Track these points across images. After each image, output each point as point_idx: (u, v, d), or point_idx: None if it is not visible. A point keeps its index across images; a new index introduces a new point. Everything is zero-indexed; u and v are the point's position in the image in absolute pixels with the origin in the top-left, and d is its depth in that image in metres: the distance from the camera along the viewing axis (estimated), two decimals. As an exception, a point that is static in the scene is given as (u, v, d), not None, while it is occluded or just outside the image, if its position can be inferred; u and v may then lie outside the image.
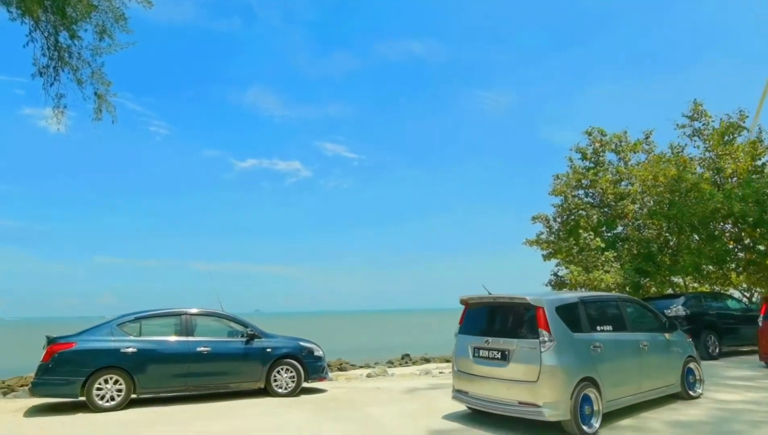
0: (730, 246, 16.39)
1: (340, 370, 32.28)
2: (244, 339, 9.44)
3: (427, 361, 34.68)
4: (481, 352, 6.76)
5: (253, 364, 9.36)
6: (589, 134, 19.66)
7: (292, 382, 9.55)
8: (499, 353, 6.50)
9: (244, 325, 9.64)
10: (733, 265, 16.97)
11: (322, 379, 10.10)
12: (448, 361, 35.80)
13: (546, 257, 19.95)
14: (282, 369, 9.55)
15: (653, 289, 18.25)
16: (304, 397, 9.46)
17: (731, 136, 16.87)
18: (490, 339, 6.68)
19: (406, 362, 34.88)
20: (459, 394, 7.13)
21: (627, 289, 17.16)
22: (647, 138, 19.63)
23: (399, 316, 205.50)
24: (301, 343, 9.97)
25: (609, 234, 19.16)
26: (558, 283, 19.74)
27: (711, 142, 17.07)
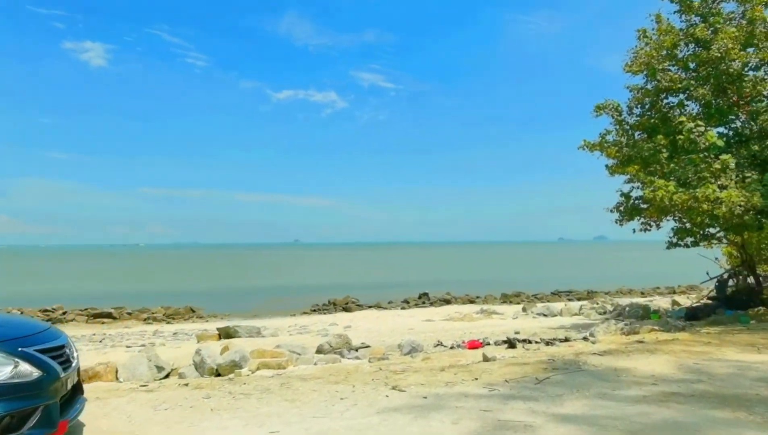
0: None
1: (345, 310, 26.33)
2: None
3: (447, 301, 28.10)
4: None
5: None
6: (697, -30, 11.43)
7: None
8: None
9: None
10: None
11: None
12: (472, 301, 29.12)
13: (613, 169, 12.42)
14: None
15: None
16: None
17: None
18: None
19: (423, 302, 28.42)
20: None
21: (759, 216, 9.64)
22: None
23: (435, 248, 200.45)
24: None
25: (723, 130, 11.40)
26: (630, 210, 12.29)
27: None
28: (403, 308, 25.87)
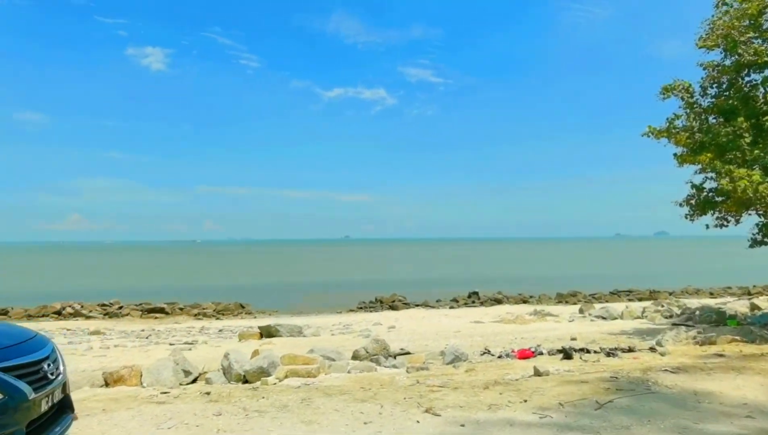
0: None
1: (391, 308, 25.64)
2: None
3: (499, 301, 26.85)
4: None
5: None
6: None
7: None
8: None
9: None
10: None
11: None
12: (525, 301, 27.59)
13: (682, 158, 11.04)
14: None
15: None
16: None
17: None
18: None
19: (473, 301, 27.32)
20: None
21: None
22: None
23: (487, 245, 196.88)
24: None
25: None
26: (702, 203, 10.91)
27: None
28: (451, 307, 24.92)
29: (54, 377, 3.58)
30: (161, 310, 23.38)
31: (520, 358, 8.15)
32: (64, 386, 3.81)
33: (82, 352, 11.97)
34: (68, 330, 17.10)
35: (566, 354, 7.93)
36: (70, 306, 22.70)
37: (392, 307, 25.12)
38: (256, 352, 8.52)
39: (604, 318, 15.99)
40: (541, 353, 8.52)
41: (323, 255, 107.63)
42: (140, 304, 24.14)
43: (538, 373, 6.48)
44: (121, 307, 23.53)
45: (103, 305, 23.64)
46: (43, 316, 21.79)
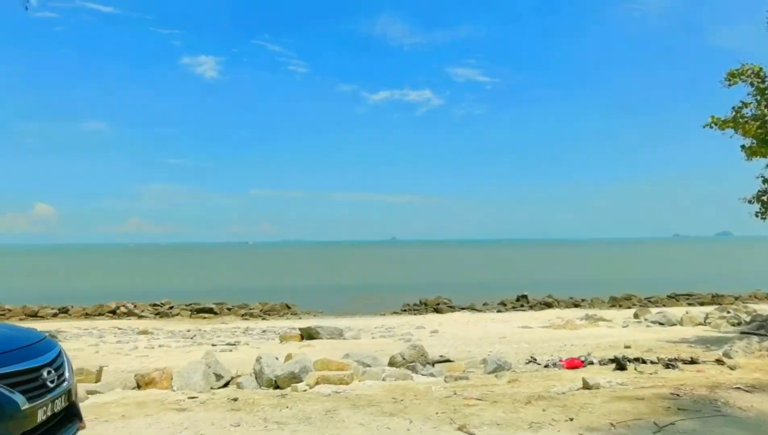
0: None
1: (436, 311, 25.04)
2: None
3: (549, 305, 25.69)
4: None
5: None
6: None
7: None
8: None
9: None
10: None
11: None
12: (576, 305, 25.96)
13: (752, 150, 10.01)
14: None
15: None
16: None
17: None
18: None
19: (522, 305, 26.30)
20: None
21: None
22: None
23: (536, 246, 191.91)
24: None
25: None
26: (775, 199, 9.86)
27: None
28: (498, 311, 24.08)
29: (54, 385, 3.35)
30: (210, 311, 23.78)
31: (567, 367, 7.49)
32: (69, 393, 3.60)
33: (126, 351, 12.16)
34: (119, 329, 17.58)
35: (619, 364, 7.21)
36: (124, 305, 23.46)
37: (437, 310, 24.56)
38: (289, 356, 8.27)
39: (661, 324, 14.87)
40: (591, 363, 7.82)
41: (370, 256, 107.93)
42: (190, 305, 24.67)
43: (587, 385, 5.86)
44: (171, 307, 24.12)
45: (155, 305, 24.30)
46: (99, 314, 22.62)
